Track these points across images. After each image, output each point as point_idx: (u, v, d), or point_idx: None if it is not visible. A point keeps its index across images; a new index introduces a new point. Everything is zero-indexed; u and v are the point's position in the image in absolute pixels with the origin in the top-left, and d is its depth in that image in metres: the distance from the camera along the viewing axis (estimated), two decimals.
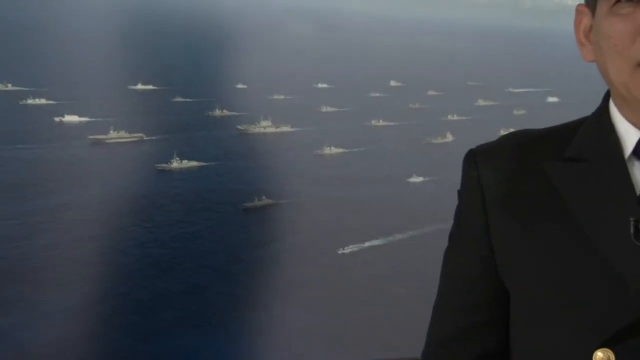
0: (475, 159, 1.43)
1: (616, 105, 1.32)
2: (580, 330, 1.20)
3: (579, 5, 1.30)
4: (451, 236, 1.44)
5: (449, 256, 1.48)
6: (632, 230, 1.17)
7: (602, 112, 1.35)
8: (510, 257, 1.31)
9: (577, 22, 1.33)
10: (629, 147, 1.27)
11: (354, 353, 2.08)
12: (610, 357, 1.15)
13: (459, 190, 1.41)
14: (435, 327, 1.48)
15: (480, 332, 1.39)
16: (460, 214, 1.46)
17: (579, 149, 1.31)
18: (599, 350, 1.16)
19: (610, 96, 1.33)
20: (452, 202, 1.47)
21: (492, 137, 1.50)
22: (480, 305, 1.38)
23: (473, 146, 1.43)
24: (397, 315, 2.31)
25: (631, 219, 1.19)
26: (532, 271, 1.28)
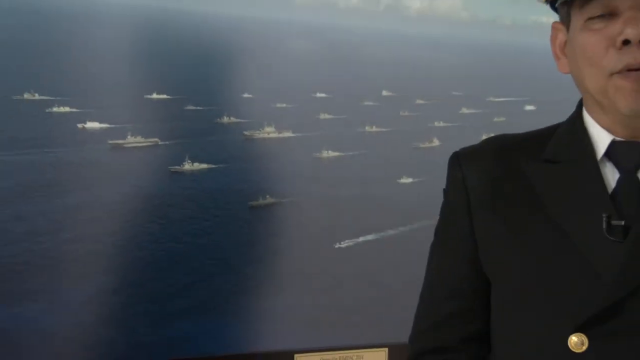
0: (459, 160, 1.43)
1: (589, 112, 1.32)
2: (556, 317, 1.20)
3: (555, 22, 1.31)
4: (437, 231, 1.45)
5: (434, 250, 1.49)
6: (604, 226, 1.18)
7: (576, 118, 1.36)
8: (491, 251, 1.32)
9: (553, 38, 1.34)
10: (601, 149, 1.28)
11: (349, 335, 2.10)
12: (584, 340, 1.15)
13: (444, 189, 1.42)
14: (422, 314, 1.48)
15: (463, 318, 1.40)
16: (445, 211, 1.47)
17: (555, 151, 1.31)
18: (573, 334, 1.16)
19: (583, 104, 1.33)
20: (438, 200, 1.47)
21: (475, 141, 1.49)
22: (463, 294, 1.39)
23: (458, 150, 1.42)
24: (389, 303, 2.34)
25: (603, 215, 1.20)
26: (512, 263, 1.29)
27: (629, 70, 1.16)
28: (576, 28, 1.26)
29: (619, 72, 1.15)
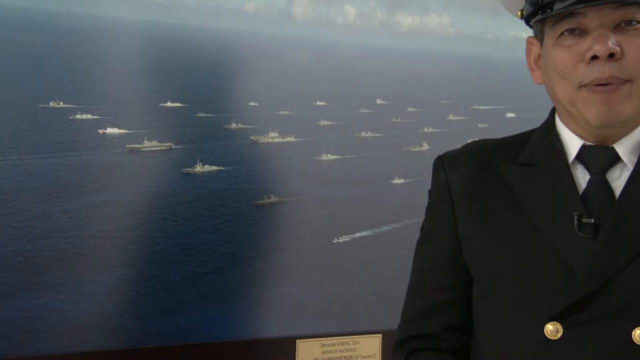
0: (442, 164, 1.43)
1: (561, 119, 1.31)
2: (532, 308, 1.20)
3: (529, 37, 1.30)
4: (422, 229, 1.45)
5: (420, 246, 1.48)
6: (576, 224, 1.17)
7: (549, 124, 1.35)
8: (473, 246, 1.32)
9: (528, 51, 1.33)
10: (572, 153, 1.27)
11: (347, 322, 2.10)
12: (559, 329, 1.14)
13: (429, 190, 1.41)
14: (409, 305, 1.48)
15: (446, 309, 1.39)
16: (430, 210, 1.47)
17: (530, 155, 1.31)
18: (549, 323, 1.16)
19: (555, 111, 1.33)
20: (427, 200, 1.46)
21: (461, 145, 1.48)
22: (447, 286, 1.38)
23: None
24: (383, 293, 2.34)
25: (575, 214, 1.20)
26: (492, 258, 1.28)
27: (596, 85, 1.16)
28: (549, 43, 1.26)
29: (587, 85, 1.16)
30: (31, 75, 1.80)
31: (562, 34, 1.21)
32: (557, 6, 1.19)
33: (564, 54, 1.20)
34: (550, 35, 1.24)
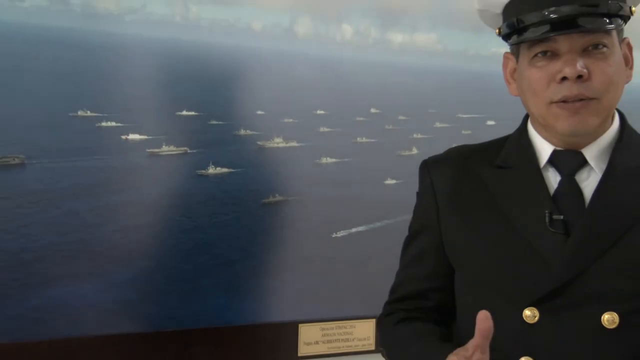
0: (427, 167, 1.45)
1: (534, 127, 1.33)
2: (511, 295, 1.21)
3: (506, 52, 1.32)
4: (410, 226, 1.46)
5: (408, 240, 1.50)
6: (547, 220, 1.19)
7: (522, 131, 1.37)
8: (455, 241, 1.33)
9: (505, 65, 1.35)
10: (544, 157, 1.29)
11: (344, 308, 2.10)
12: (536, 314, 1.16)
13: (417, 192, 1.43)
14: (396, 288, 1.50)
15: (429, 293, 1.41)
16: (417, 209, 1.49)
17: (505, 159, 1.32)
18: (526, 309, 1.17)
19: (527, 119, 1.34)
20: (415, 199, 1.46)
21: (446, 149, 1.49)
22: (432, 275, 1.40)
23: None
24: (376, 282, 2.35)
25: (546, 211, 1.21)
26: (471, 251, 1.30)
27: (565, 101, 1.18)
28: (524, 62, 1.28)
29: (557, 102, 1.18)
30: (62, 87, 1.81)
31: (535, 55, 1.23)
32: (531, 34, 1.21)
33: (538, 74, 1.22)
34: (525, 56, 1.26)
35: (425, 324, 1.33)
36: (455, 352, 1.14)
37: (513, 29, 1.21)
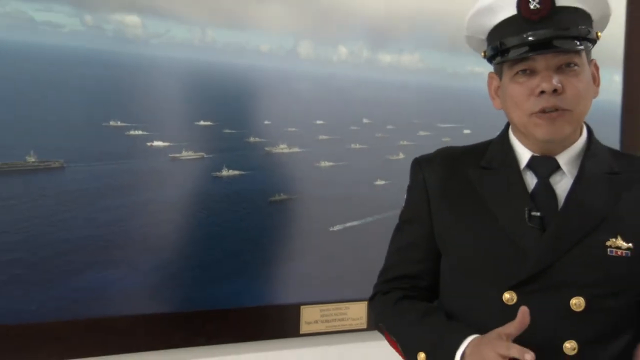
0: (420, 164, 1.46)
1: (515, 135, 1.35)
2: (493, 280, 1.23)
3: (490, 72, 1.34)
4: (401, 216, 1.47)
5: (399, 229, 1.51)
6: (526, 216, 1.21)
7: (504, 137, 1.39)
8: (444, 232, 1.34)
9: (489, 84, 1.37)
10: (523, 161, 1.31)
11: (340, 292, 2.11)
12: (514, 297, 1.18)
13: (408, 186, 1.44)
14: (385, 271, 1.51)
15: (422, 275, 1.42)
16: (409, 201, 1.49)
17: (489, 161, 1.34)
18: (506, 292, 1.19)
19: (508, 127, 1.37)
20: (403, 197, 1.49)
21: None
22: (422, 260, 1.41)
23: None
24: (367, 269, 2.36)
25: (526, 208, 1.23)
26: (459, 242, 1.31)
27: (543, 112, 1.21)
28: (506, 80, 1.31)
29: (536, 113, 1.20)
30: (97, 101, 1.83)
31: (516, 73, 1.26)
32: (513, 54, 1.24)
33: (519, 88, 1.25)
34: (507, 74, 1.29)
35: (424, 303, 1.33)
36: (490, 338, 1.13)
37: (497, 51, 1.24)
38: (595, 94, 1.23)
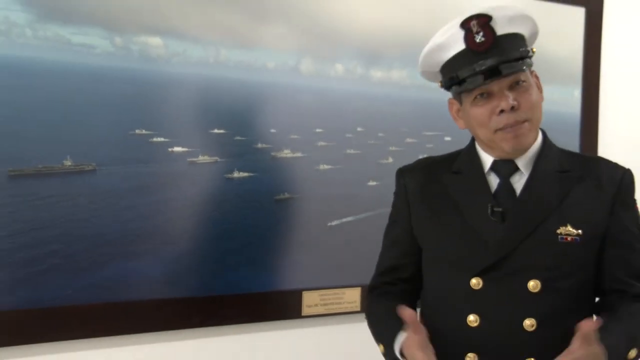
0: (402, 173, 1.49)
1: (479, 145, 1.38)
2: (461, 268, 1.25)
3: (450, 98, 1.37)
4: (390, 217, 1.51)
5: (388, 228, 1.54)
6: (489, 211, 1.23)
7: (471, 147, 1.42)
8: (421, 228, 1.37)
9: (450, 108, 1.40)
10: (487, 165, 1.34)
11: (336, 279, 2.13)
12: (480, 282, 1.20)
13: (394, 191, 1.47)
14: (378, 265, 1.54)
15: (404, 268, 1.45)
16: (394, 205, 1.52)
17: (459, 166, 1.37)
18: (473, 278, 1.22)
19: (474, 139, 1.39)
20: (391, 196, 1.51)
21: (414, 159, 1.53)
22: (404, 254, 1.44)
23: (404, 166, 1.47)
24: (362, 259, 2.36)
25: (489, 205, 1.25)
26: (433, 236, 1.34)
27: (506, 127, 1.24)
28: (467, 105, 1.33)
29: (501, 129, 1.23)
30: (124, 112, 1.86)
31: (475, 97, 1.29)
32: (470, 84, 1.28)
33: (480, 110, 1.28)
34: (467, 99, 1.33)
35: (395, 302, 1.36)
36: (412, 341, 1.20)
37: (452, 82, 1.27)
38: (542, 99, 1.28)
